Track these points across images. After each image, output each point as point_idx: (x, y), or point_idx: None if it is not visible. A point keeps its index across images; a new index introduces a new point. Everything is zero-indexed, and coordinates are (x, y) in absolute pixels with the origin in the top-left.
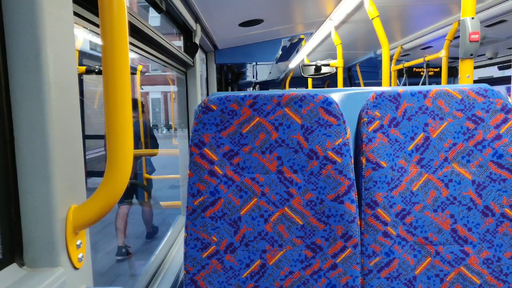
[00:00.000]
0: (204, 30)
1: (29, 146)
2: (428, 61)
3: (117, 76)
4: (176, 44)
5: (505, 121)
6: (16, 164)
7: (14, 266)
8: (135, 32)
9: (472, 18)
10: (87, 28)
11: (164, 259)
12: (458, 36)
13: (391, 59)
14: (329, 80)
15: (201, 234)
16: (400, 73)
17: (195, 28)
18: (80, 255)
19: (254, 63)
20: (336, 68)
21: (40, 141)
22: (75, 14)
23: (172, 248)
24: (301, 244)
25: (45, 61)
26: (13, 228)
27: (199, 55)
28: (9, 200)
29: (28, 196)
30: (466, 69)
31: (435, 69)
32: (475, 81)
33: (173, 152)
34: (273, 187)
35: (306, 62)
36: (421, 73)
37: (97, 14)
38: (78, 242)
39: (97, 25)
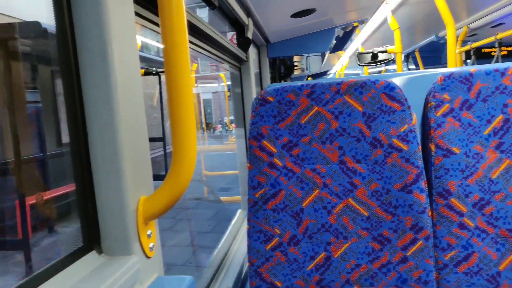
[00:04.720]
0: (256, 24)
1: (101, 141)
2: (501, 39)
3: (179, 71)
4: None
5: None
6: (90, 159)
7: (93, 254)
8: (191, 29)
9: None
10: (145, 27)
11: (227, 252)
12: None
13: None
14: (386, 69)
15: (264, 227)
16: (467, 55)
17: (247, 23)
18: (151, 245)
19: (306, 55)
20: (395, 54)
21: (110, 136)
22: (136, 14)
23: (235, 241)
24: (367, 236)
25: (111, 61)
26: (91, 218)
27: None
28: (86, 193)
29: (101, 189)
30: None
31: (508, 48)
32: None
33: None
34: (335, 178)
35: (361, 50)
36: (492, 54)
37: (156, 14)
38: (148, 232)
39: (157, 24)
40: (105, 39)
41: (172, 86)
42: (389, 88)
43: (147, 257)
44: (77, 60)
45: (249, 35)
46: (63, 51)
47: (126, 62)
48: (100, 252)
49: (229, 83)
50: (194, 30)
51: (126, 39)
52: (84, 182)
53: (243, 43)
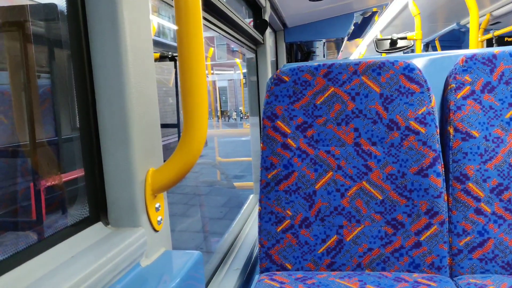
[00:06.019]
0: (273, 7)
1: (109, 109)
2: None
3: (191, 43)
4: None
5: None
6: (98, 127)
7: (99, 225)
8: (208, 6)
9: None
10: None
11: (238, 235)
12: None
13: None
14: None
15: (275, 208)
16: (489, 44)
17: (264, 5)
18: (159, 218)
19: (324, 41)
20: (414, 41)
21: (119, 105)
22: None
23: (246, 225)
24: (380, 220)
25: (121, 25)
26: (98, 189)
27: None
28: (93, 162)
29: (109, 158)
30: None
31: None
32: None
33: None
34: (349, 160)
35: (380, 37)
36: None
37: None
38: (157, 205)
39: None
40: (115, 3)
41: (184, 57)
42: (409, 69)
43: (155, 230)
44: (87, 25)
45: (266, 17)
46: (71, 15)
47: (137, 27)
48: (106, 223)
49: (245, 70)
50: (210, 8)
51: (138, 4)
52: (92, 151)
53: (260, 25)
